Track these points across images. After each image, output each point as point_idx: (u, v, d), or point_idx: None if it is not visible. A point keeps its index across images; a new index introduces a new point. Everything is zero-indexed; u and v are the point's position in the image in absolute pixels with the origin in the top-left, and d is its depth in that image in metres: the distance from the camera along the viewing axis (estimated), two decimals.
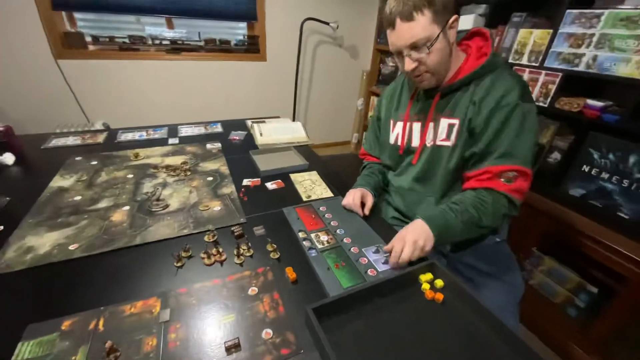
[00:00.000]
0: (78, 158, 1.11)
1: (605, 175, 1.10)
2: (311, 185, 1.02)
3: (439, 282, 0.62)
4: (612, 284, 1.15)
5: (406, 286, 0.62)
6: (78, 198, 0.88)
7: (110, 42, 2.01)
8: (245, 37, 2.35)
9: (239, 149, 1.25)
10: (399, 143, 0.88)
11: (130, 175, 1.01)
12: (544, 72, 1.25)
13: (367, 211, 0.85)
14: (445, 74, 0.76)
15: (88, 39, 2.01)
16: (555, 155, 1.27)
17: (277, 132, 1.39)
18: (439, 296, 0.59)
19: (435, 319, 0.56)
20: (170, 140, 1.30)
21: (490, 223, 0.71)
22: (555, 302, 1.32)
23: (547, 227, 1.22)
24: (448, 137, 0.77)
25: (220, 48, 2.28)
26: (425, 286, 0.62)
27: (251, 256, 0.70)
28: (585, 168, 1.15)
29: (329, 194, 0.97)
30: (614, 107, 1.14)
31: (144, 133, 1.35)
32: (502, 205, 0.71)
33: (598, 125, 1.11)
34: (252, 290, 0.61)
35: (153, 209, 0.85)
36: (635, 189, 1.04)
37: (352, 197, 0.85)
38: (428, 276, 0.64)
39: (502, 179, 0.70)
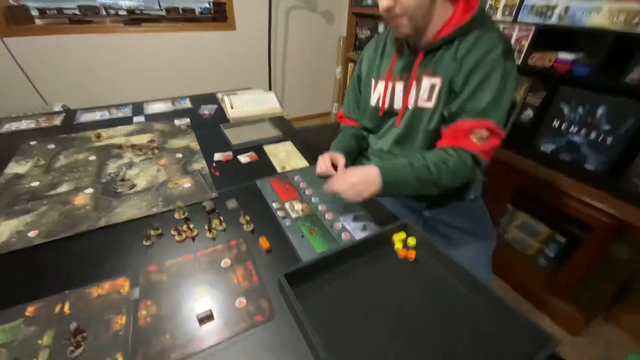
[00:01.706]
0: (33, 142, 1.03)
1: (574, 129, 1.12)
2: (286, 157, 0.99)
3: (412, 241, 0.63)
4: (578, 233, 1.21)
5: (379, 246, 0.63)
6: (36, 184, 0.82)
7: (59, 15, 1.83)
8: (211, 4, 2.18)
9: (209, 124, 1.20)
10: (380, 105, 0.85)
11: (93, 158, 0.95)
12: (517, 27, 1.22)
13: (340, 172, 0.84)
14: (424, 22, 0.70)
15: (34, 12, 1.81)
16: (528, 113, 1.28)
17: (249, 104, 1.33)
18: (412, 254, 0.60)
19: (409, 277, 0.57)
20: (135, 119, 1.22)
21: (449, 183, 0.69)
22: (528, 254, 1.39)
23: (520, 183, 1.25)
24: (429, 99, 0.75)
25: (184, 17, 2.11)
26: (398, 245, 0.62)
27: (224, 230, 0.69)
28: (556, 123, 1.17)
29: (305, 164, 0.95)
30: (585, 59, 1.14)
31: (106, 112, 1.27)
32: (466, 165, 0.69)
33: (569, 80, 1.12)
34: (225, 263, 0.60)
35: (119, 190, 0.81)
36: (602, 140, 1.07)
37: (322, 163, 0.83)
38: (401, 235, 0.64)
39: (474, 138, 0.69)
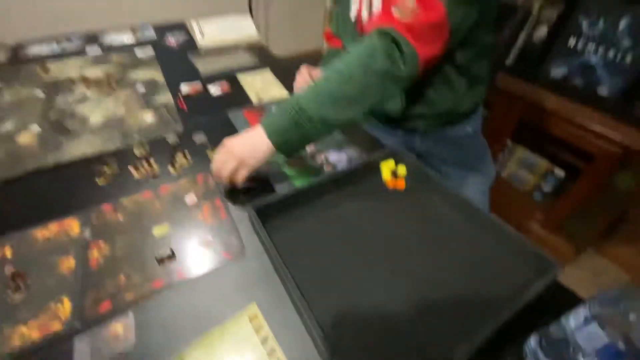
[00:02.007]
0: None
1: (591, 47, 0.99)
2: (263, 87, 0.87)
3: (402, 169, 0.56)
4: (579, 165, 1.15)
5: (365, 177, 0.55)
6: None
7: None
8: None
9: (176, 54, 1.04)
10: (357, 17, 0.71)
11: (40, 93, 0.83)
12: None
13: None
14: None
15: None
16: (542, 32, 1.12)
17: (222, 32, 1.16)
18: (401, 184, 0.53)
19: (398, 208, 0.51)
20: (90, 50, 1.05)
21: (360, 91, 0.47)
22: (523, 190, 1.36)
23: (523, 114, 1.15)
24: None
25: None
26: (387, 175, 0.55)
27: (189, 166, 0.60)
28: (572, 42, 1.03)
29: (285, 94, 0.83)
30: None
31: (55, 44, 1.09)
32: (377, 51, 0.46)
33: None
34: (191, 200, 0.53)
35: (69, 127, 0.70)
36: (620, 59, 0.94)
37: (302, 79, 0.72)
38: (390, 164, 0.57)
39: (396, 11, 0.47)
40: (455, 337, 0.34)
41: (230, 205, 0.52)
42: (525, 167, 1.33)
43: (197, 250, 0.45)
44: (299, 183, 0.55)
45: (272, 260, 0.41)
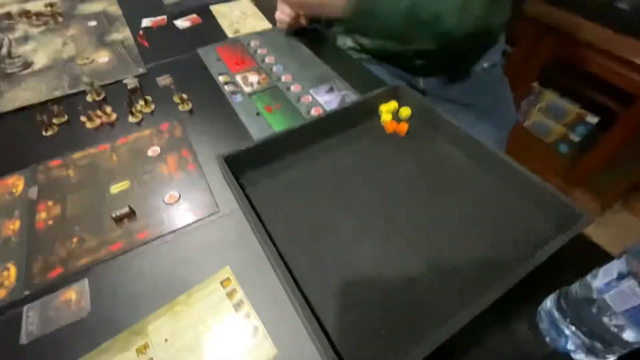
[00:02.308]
0: None
1: None
2: (241, 18, 0.78)
3: (405, 111, 0.51)
4: (615, 109, 1.08)
5: (360, 120, 0.50)
6: None
7: None
8: None
9: None
10: None
11: None
12: None
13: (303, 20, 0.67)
14: None
15: None
16: None
17: None
18: (403, 127, 0.48)
19: (399, 155, 0.47)
20: None
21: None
22: (547, 141, 1.30)
23: (554, 49, 1.06)
24: None
25: None
26: (386, 117, 0.50)
27: (152, 112, 0.55)
28: None
29: (266, 25, 0.75)
30: None
31: None
32: None
33: None
34: (154, 151, 0.49)
35: (8, 70, 0.64)
36: None
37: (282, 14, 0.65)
38: (391, 105, 0.51)
39: None
40: (464, 297, 0.32)
41: (200, 155, 0.48)
42: (552, 115, 1.26)
43: (161, 208, 0.42)
44: (281, 128, 0.50)
45: (247, 218, 0.38)
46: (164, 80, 0.61)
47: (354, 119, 0.50)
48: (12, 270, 0.37)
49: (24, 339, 0.32)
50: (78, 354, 0.31)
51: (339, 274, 0.35)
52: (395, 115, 0.51)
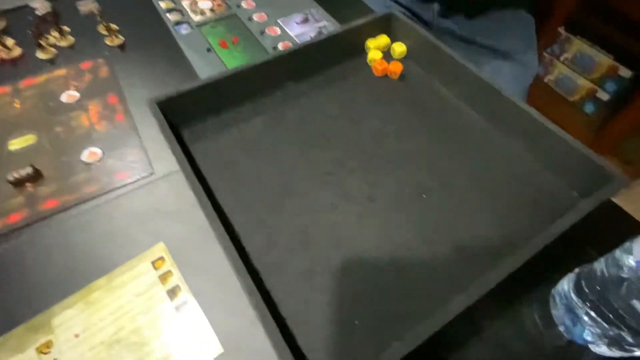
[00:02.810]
0: None
1: None
2: None
3: (399, 48, 0.46)
4: None
5: (340, 59, 0.46)
6: None
7: None
8: None
9: None
10: None
11: None
12: None
13: None
14: None
15: None
16: None
17: None
18: (397, 68, 0.44)
19: (389, 103, 0.42)
20: None
21: None
22: (571, 99, 1.28)
23: None
24: None
25: None
26: (375, 55, 0.45)
27: (71, 47, 0.49)
28: None
29: None
30: None
31: None
32: None
33: None
34: (70, 97, 0.43)
35: None
36: None
37: None
38: (381, 40, 0.46)
39: None
40: (464, 279, 0.29)
41: (132, 103, 0.43)
42: (580, 67, 1.23)
43: (78, 169, 0.37)
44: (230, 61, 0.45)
45: (188, 182, 0.33)
46: (86, 5, 0.54)
47: (332, 57, 0.45)
48: None
49: None
50: None
51: (305, 251, 0.31)
52: (387, 54, 0.47)
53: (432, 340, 0.24)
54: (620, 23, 1.05)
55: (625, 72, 1.14)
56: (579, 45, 1.20)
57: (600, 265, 0.25)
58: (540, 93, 1.29)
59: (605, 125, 1.14)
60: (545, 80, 1.32)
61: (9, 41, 0.48)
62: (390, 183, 0.36)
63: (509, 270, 0.26)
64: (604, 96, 1.21)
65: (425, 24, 0.69)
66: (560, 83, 1.29)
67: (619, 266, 0.23)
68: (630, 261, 0.22)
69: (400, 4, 0.68)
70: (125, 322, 0.29)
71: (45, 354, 0.27)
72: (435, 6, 0.66)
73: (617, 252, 0.24)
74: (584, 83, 1.23)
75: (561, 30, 1.22)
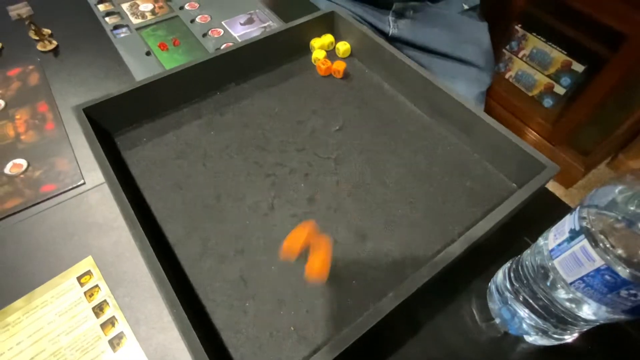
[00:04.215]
0: None
1: None
2: None
3: (343, 46, 0.45)
4: (604, 53, 1.10)
5: (284, 59, 0.45)
6: None
7: None
8: None
9: None
10: None
11: None
12: None
13: None
14: None
15: None
16: None
17: None
18: (339, 66, 0.43)
19: (333, 102, 0.42)
20: None
21: None
22: (532, 94, 1.32)
23: None
24: None
25: None
26: (318, 55, 0.45)
27: None
28: None
29: None
30: None
31: None
32: None
33: None
34: None
35: None
36: None
37: None
38: (326, 39, 0.46)
39: None
40: (403, 273, 0.29)
41: (65, 110, 0.41)
42: (537, 63, 1.27)
43: (1, 182, 0.35)
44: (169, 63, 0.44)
45: (112, 192, 0.32)
46: (17, 9, 0.51)
47: (275, 57, 0.44)
48: None
49: None
50: None
51: (240, 257, 0.30)
52: (332, 53, 0.46)
53: (366, 340, 0.24)
54: (571, 18, 1.09)
55: (577, 67, 1.18)
56: (534, 42, 1.24)
57: (526, 256, 0.25)
58: (502, 89, 1.32)
59: (563, 117, 1.18)
60: (507, 76, 1.35)
61: None
62: (330, 182, 0.35)
63: (444, 264, 0.26)
64: (560, 90, 1.25)
65: (382, 34, 0.69)
66: (519, 79, 1.32)
67: (542, 256, 0.23)
68: (549, 249, 0.22)
69: (357, 15, 0.68)
70: (45, 344, 0.27)
71: None
72: (390, 16, 0.67)
73: (540, 241, 0.24)
74: (541, 78, 1.27)
75: (517, 27, 1.25)
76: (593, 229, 0.17)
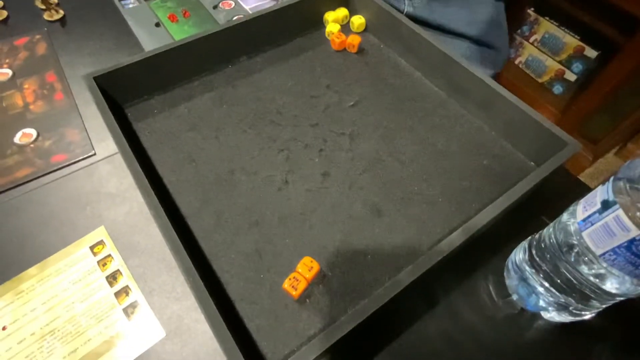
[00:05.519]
0: None
1: None
2: None
3: (358, 20, 0.44)
4: (618, 40, 1.07)
5: (297, 32, 0.44)
6: None
7: None
8: None
9: None
10: None
11: None
12: None
13: None
14: None
15: None
16: None
17: None
18: (354, 40, 0.42)
19: (347, 77, 0.41)
20: None
21: None
22: (541, 81, 1.30)
23: None
24: None
25: None
26: (333, 28, 0.43)
27: (4, 21, 0.45)
28: None
29: None
30: None
31: None
32: None
33: None
34: (1, 75, 0.40)
35: None
36: None
37: None
38: (340, 13, 0.45)
39: None
40: (419, 250, 0.29)
41: (74, 80, 0.40)
42: (548, 49, 1.24)
43: (11, 151, 0.35)
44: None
45: (126, 162, 0.31)
46: None
47: (288, 30, 0.43)
48: None
49: None
50: None
51: (254, 230, 0.30)
52: (346, 27, 0.45)
53: (382, 314, 0.23)
54: (586, 1, 1.07)
55: (590, 52, 1.16)
56: (547, 26, 1.22)
57: (548, 232, 0.25)
58: (511, 75, 1.30)
59: (573, 105, 1.16)
60: (516, 62, 1.33)
61: None
62: (345, 158, 0.34)
63: (461, 240, 0.25)
64: (571, 77, 1.23)
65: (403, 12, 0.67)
66: (530, 65, 1.30)
67: (567, 231, 0.22)
68: (576, 222, 0.22)
69: None
70: (60, 311, 0.27)
71: None
72: None
73: (564, 216, 0.23)
74: (552, 64, 1.25)
75: (530, 11, 1.23)
76: (629, 199, 0.17)
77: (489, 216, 0.26)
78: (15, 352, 0.25)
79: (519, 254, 0.28)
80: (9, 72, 0.40)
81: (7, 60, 0.41)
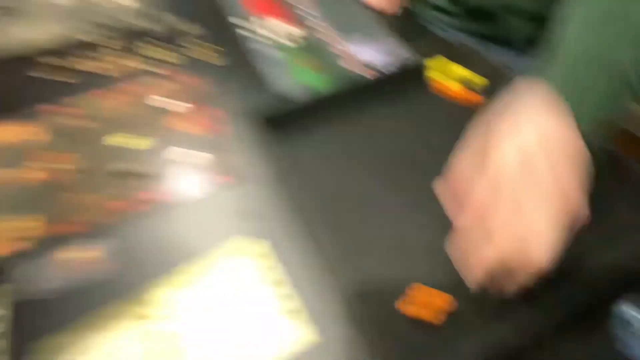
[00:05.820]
0: None
1: None
2: None
3: (477, 78, 0.50)
4: None
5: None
6: None
7: None
8: None
9: None
10: None
11: None
12: None
13: None
14: None
15: None
16: None
17: None
18: (475, 97, 0.47)
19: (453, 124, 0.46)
20: None
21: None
22: None
23: None
24: None
25: None
26: (453, 85, 0.49)
27: (179, 62, 0.57)
28: None
29: None
30: None
31: None
32: None
33: None
34: (180, 107, 0.51)
35: None
36: None
37: None
38: (455, 70, 0.51)
39: None
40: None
41: (232, 115, 0.49)
42: None
43: (184, 169, 0.44)
44: (312, 84, 0.51)
45: (281, 187, 0.39)
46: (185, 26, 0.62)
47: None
48: None
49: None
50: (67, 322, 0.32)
51: (383, 259, 0.36)
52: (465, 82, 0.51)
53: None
54: None
55: None
56: None
57: None
58: None
59: None
60: None
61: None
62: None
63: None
64: None
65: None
66: None
67: None
68: None
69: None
70: (230, 303, 0.34)
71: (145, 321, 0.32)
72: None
73: None
74: None
75: None
76: None
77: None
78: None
79: (628, 307, 0.31)
80: (186, 104, 0.51)
81: (182, 94, 0.52)
